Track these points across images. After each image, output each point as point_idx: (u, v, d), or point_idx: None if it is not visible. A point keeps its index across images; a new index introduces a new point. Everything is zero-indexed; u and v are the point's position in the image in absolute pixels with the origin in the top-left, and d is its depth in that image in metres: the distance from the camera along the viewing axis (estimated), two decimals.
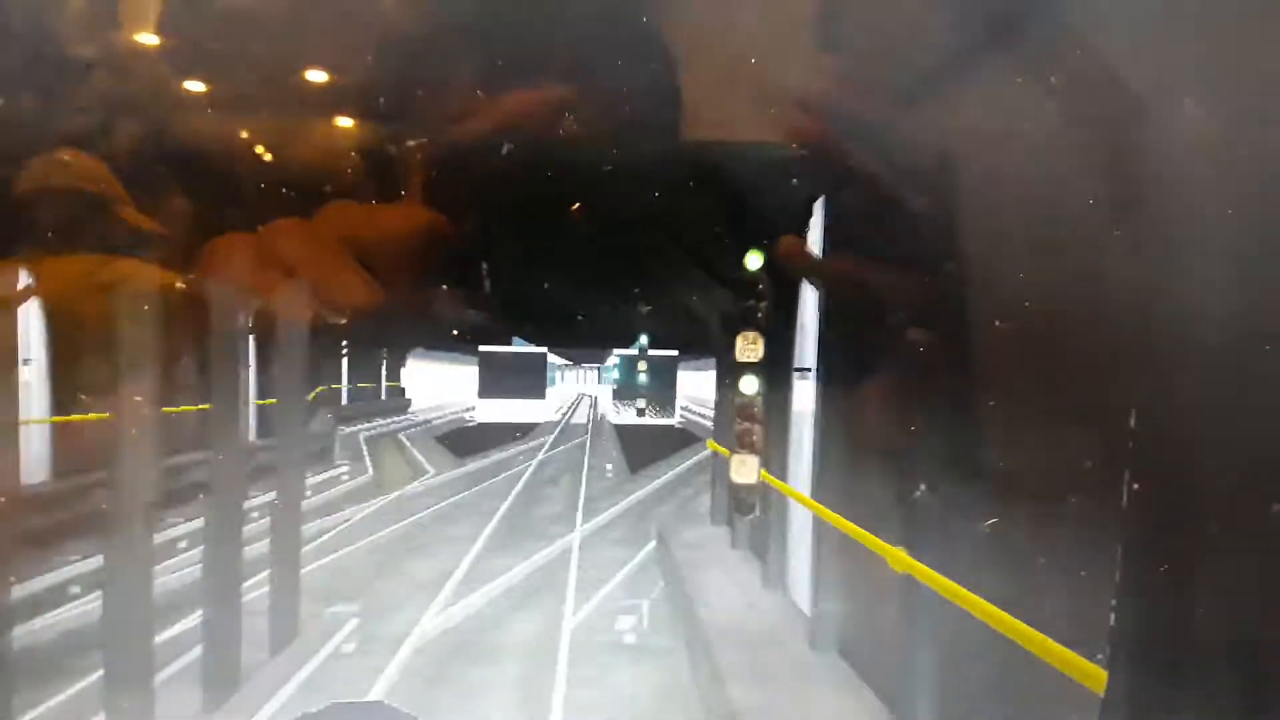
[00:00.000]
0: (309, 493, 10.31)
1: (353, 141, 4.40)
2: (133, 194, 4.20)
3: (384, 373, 15.88)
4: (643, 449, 14.68)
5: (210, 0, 3.39)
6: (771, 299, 5.14)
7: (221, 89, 3.88)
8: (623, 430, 15.77)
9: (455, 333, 12.16)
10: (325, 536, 8.98)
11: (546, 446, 15.10)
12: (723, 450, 7.87)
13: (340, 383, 14.81)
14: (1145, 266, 1.86)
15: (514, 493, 12.08)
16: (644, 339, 13.93)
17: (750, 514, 6.07)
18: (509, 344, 14.10)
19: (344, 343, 13.12)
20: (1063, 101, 2.26)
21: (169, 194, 4.32)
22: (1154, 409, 1.82)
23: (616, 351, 14.76)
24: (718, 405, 9.75)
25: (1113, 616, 1.92)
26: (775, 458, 5.44)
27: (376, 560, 8.36)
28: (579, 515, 10.57)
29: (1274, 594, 1.55)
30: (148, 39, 3.45)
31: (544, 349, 14.22)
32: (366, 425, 15.49)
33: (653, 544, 8.88)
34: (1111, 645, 1.94)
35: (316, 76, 4.02)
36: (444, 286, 8.23)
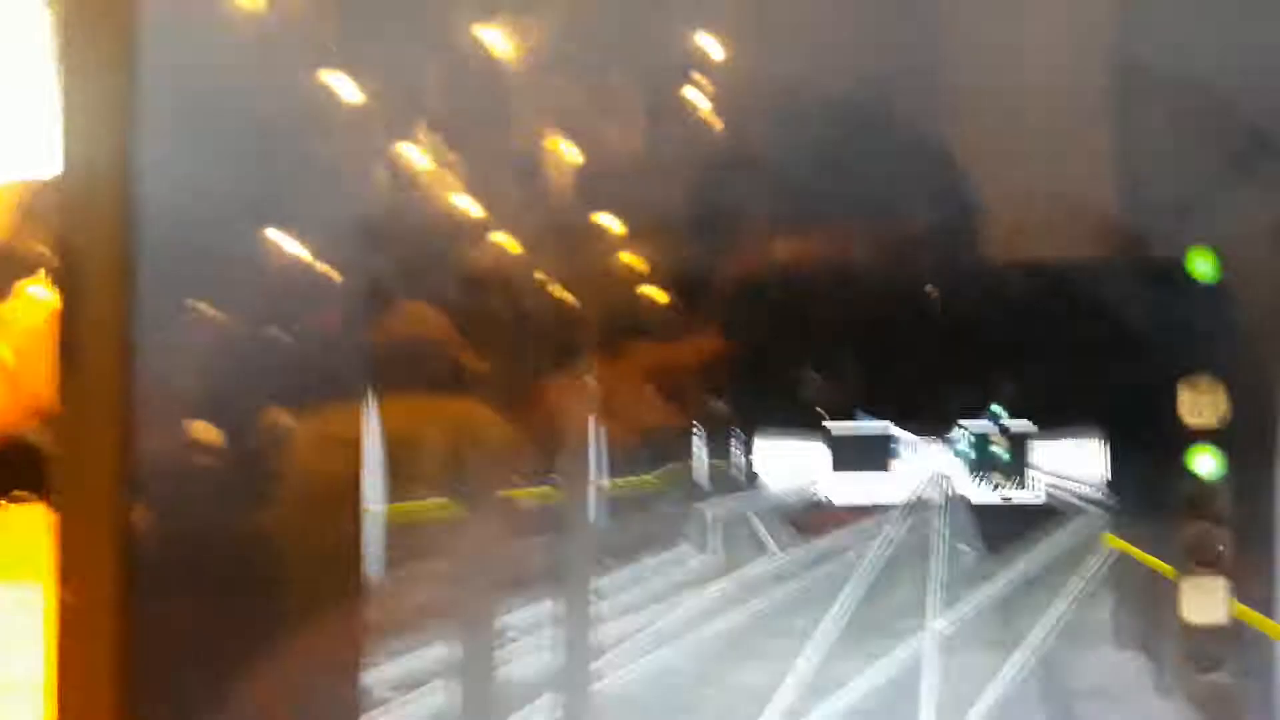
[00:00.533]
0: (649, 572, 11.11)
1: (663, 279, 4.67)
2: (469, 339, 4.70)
3: (732, 449, 16.81)
4: (999, 524, 16.05)
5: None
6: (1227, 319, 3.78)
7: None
8: (978, 509, 16.36)
9: (800, 412, 14.04)
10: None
11: (896, 519, 15.90)
12: (1130, 549, 6.20)
13: (690, 459, 15.87)
14: None
15: (857, 572, 13.05)
16: (996, 409, 13.60)
17: (1215, 671, 4.49)
18: (853, 419, 14.27)
19: (695, 423, 14.00)
20: None
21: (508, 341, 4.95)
22: None
23: (965, 425, 13.92)
24: (1114, 487, 8.36)
25: None
26: (1252, 577, 4.25)
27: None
28: (931, 603, 10.90)
29: None
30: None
31: (887, 425, 14.86)
32: (716, 501, 17.01)
33: (1022, 650, 8.29)
34: None
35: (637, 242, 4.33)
36: (790, 371, 8.15)
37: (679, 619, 4.26)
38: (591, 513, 3.32)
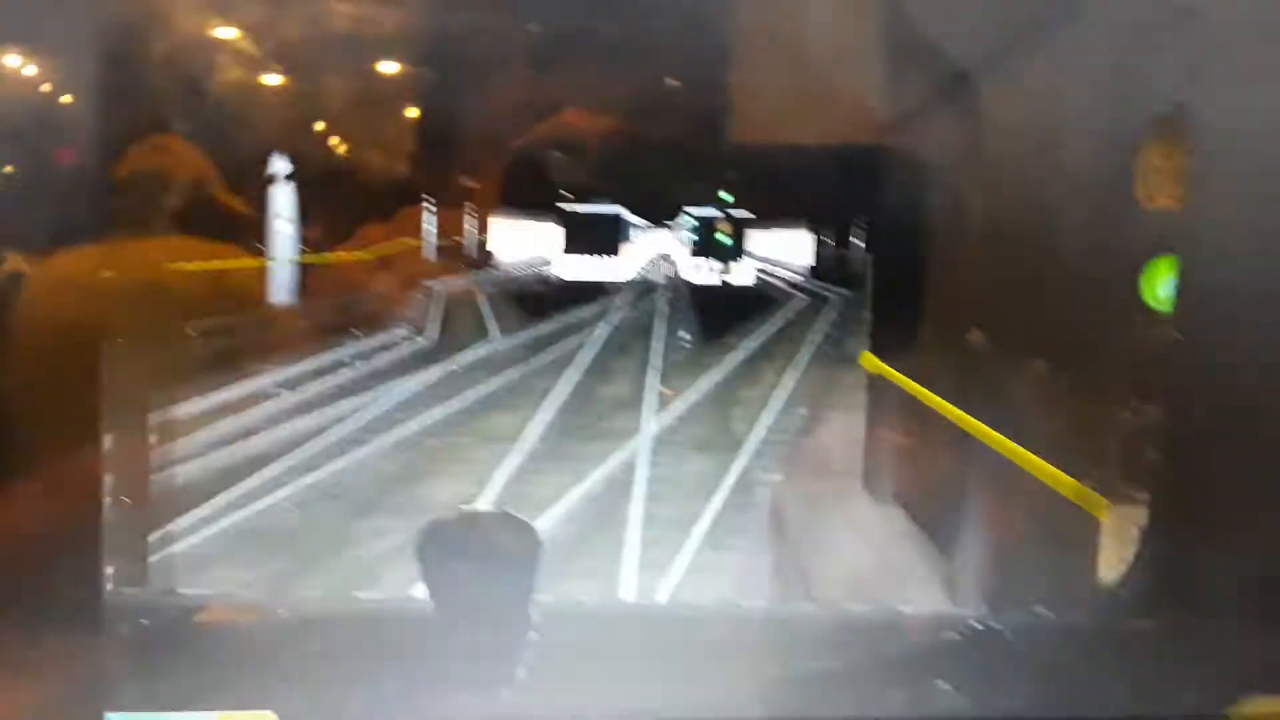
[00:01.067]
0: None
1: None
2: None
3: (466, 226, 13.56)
4: (717, 308, 13.40)
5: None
6: None
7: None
8: (698, 291, 15.03)
9: (537, 192, 12.42)
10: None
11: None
12: (880, 367, 4.45)
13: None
14: None
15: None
16: (725, 196, 14.66)
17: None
18: (589, 202, 14.48)
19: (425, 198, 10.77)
20: None
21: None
22: None
23: (690, 211, 15.27)
24: (816, 272, 13.85)
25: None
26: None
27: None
28: (649, 401, 9.02)
29: None
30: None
31: (618, 208, 14.98)
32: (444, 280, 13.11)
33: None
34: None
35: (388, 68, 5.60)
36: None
37: (374, 415, 8.06)
38: (285, 290, 7.94)
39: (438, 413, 7.83)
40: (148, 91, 3.43)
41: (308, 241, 8.30)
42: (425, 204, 10.60)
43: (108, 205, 1.66)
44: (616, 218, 14.68)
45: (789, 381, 9.50)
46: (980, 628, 1.81)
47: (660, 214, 15.08)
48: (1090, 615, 2.04)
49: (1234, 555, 1.61)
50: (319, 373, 7.84)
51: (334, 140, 8.06)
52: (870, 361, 4.34)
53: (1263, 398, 1.60)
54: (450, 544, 1.51)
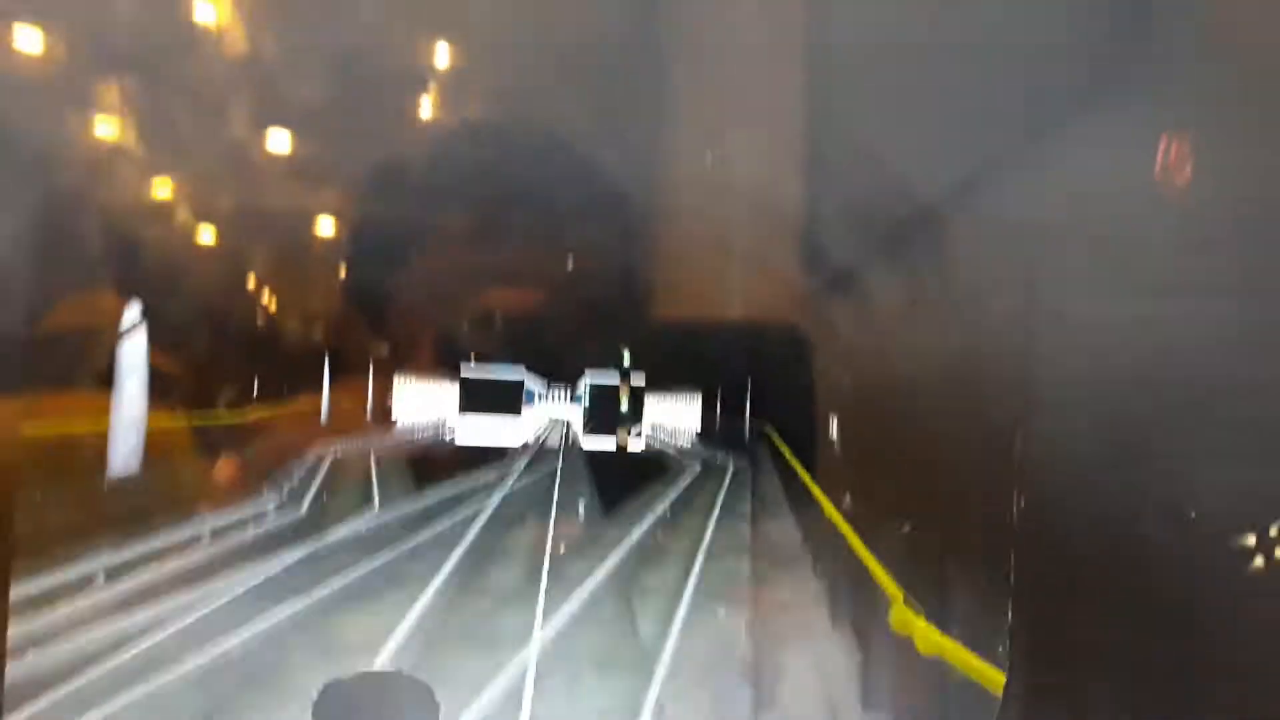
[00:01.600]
0: None
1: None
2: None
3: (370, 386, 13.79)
4: (614, 475, 12.62)
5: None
6: None
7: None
8: (593, 457, 14.51)
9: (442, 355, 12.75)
10: None
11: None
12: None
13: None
14: None
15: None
16: (627, 362, 14.62)
17: None
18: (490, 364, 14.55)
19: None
20: None
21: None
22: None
23: (590, 376, 15.18)
24: (702, 437, 14.59)
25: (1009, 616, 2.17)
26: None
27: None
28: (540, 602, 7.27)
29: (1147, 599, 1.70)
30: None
31: (520, 369, 15.00)
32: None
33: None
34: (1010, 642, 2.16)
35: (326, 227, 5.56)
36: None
37: (190, 620, 5.92)
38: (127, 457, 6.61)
39: (278, 615, 6.15)
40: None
41: (198, 400, 7.79)
42: (328, 365, 10.37)
43: None
44: (518, 381, 14.77)
45: (696, 565, 8.44)
46: None
47: (564, 377, 15.03)
48: None
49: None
50: (148, 559, 6.58)
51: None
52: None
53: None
54: (347, 706, 1.52)
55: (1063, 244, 2.01)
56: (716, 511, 10.68)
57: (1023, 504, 2.10)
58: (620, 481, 11.54)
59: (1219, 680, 1.55)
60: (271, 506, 8.67)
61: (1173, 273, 1.66)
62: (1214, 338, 1.56)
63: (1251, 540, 1.51)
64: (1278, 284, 1.49)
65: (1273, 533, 1.51)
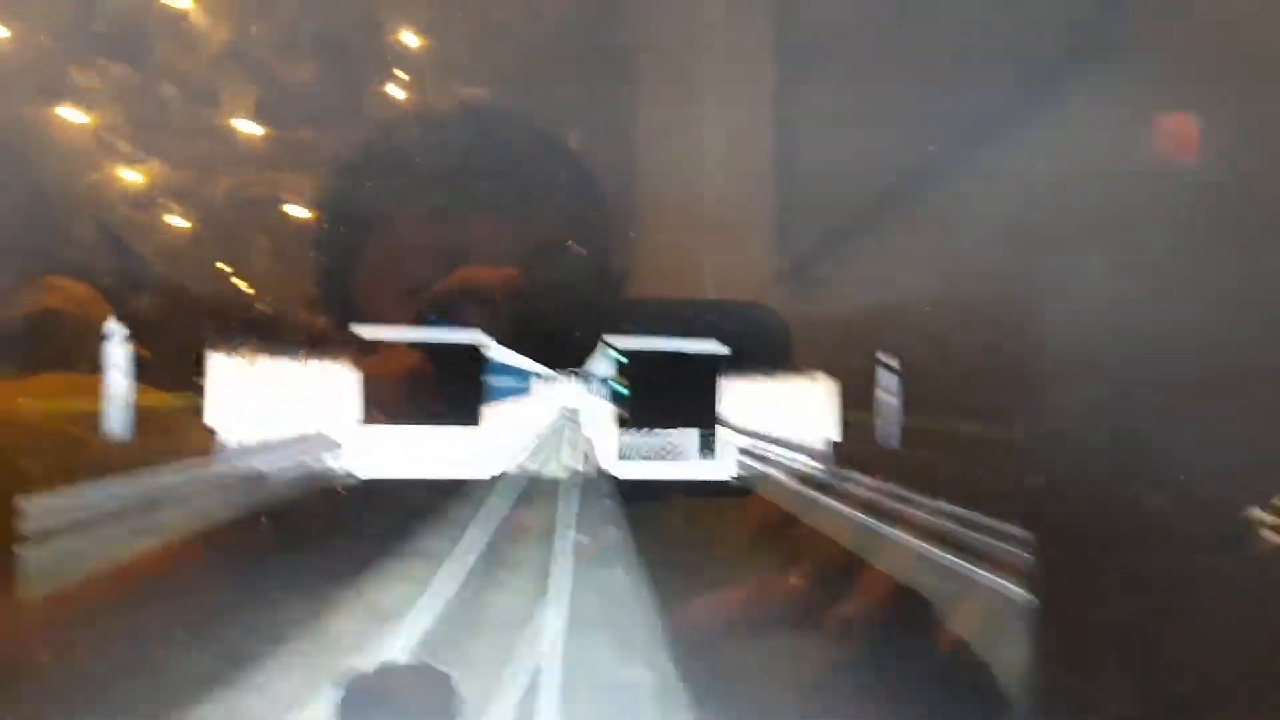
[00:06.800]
0: None
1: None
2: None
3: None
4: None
5: None
6: None
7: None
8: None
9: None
10: None
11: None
12: None
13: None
14: None
15: None
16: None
17: None
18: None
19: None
20: None
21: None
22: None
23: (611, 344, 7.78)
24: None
25: None
26: None
27: None
28: None
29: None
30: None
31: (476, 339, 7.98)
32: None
33: None
34: None
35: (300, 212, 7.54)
36: None
37: None
38: None
39: None
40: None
41: None
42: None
43: None
44: (473, 351, 11.92)
45: None
46: None
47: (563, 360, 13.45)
48: None
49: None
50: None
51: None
52: None
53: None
54: (367, 698, 1.40)
55: (1060, 217, 1.83)
56: None
57: (1023, 486, 1.85)
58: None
59: (1221, 661, 1.38)
60: None
61: (1175, 251, 1.47)
62: (1218, 318, 1.36)
63: (1259, 514, 1.33)
64: None
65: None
